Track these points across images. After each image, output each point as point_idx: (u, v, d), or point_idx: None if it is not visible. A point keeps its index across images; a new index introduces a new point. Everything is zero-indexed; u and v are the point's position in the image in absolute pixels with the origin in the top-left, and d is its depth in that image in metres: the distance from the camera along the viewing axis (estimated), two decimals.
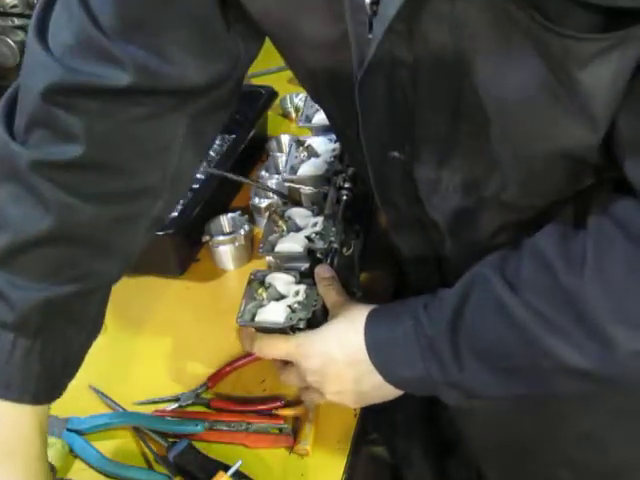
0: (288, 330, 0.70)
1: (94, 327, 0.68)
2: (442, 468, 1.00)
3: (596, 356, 0.52)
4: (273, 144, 1.21)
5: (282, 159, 1.15)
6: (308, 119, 0.91)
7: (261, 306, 0.72)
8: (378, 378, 0.64)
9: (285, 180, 0.86)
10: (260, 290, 0.73)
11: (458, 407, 0.85)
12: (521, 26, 0.43)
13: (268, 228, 0.78)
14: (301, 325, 0.70)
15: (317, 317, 0.70)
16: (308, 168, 0.85)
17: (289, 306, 0.70)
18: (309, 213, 0.79)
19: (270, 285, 0.73)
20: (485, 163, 0.55)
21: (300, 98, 1.33)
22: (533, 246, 0.56)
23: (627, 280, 0.50)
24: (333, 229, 0.77)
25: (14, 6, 1.41)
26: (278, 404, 0.81)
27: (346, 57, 0.53)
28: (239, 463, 0.73)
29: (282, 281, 0.73)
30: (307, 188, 0.83)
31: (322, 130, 0.89)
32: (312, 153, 0.87)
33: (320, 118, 0.90)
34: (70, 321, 0.63)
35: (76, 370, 0.67)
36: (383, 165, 0.61)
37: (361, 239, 0.85)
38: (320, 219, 0.77)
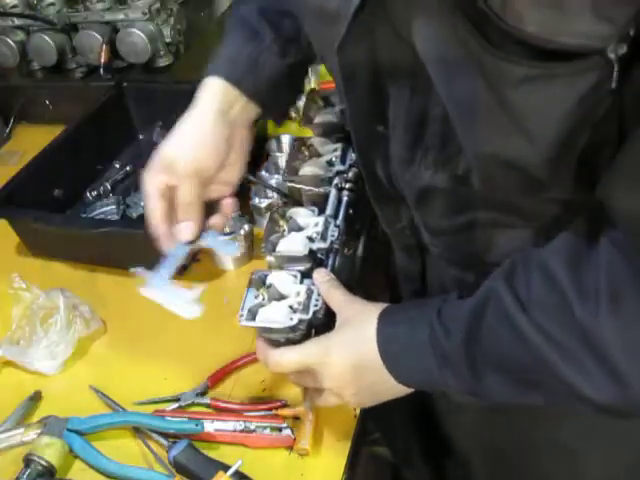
0: (289, 331, 0.70)
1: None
2: (441, 468, 1.00)
3: (609, 391, 0.52)
4: (273, 144, 1.21)
5: (282, 159, 1.15)
6: (309, 119, 0.91)
7: (262, 305, 0.72)
8: (393, 381, 0.64)
9: (286, 180, 0.85)
10: (261, 290, 0.73)
11: (445, 410, 0.86)
12: (465, 43, 0.46)
13: (269, 228, 0.78)
14: (302, 326, 0.70)
15: (318, 318, 0.70)
16: (310, 168, 0.84)
17: (290, 306, 0.70)
18: (310, 213, 0.78)
19: (271, 285, 0.73)
20: (457, 144, 0.56)
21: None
22: (542, 264, 0.55)
23: None
24: (334, 229, 0.76)
25: (14, 6, 1.41)
26: (278, 404, 0.81)
27: (339, 30, 0.56)
28: (239, 463, 0.73)
29: (283, 281, 0.73)
30: (308, 188, 0.83)
31: (324, 130, 0.89)
32: (314, 153, 0.86)
33: (322, 119, 0.90)
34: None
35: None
36: (367, 138, 0.63)
37: (362, 239, 0.85)
38: (321, 219, 0.76)
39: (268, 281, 0.73)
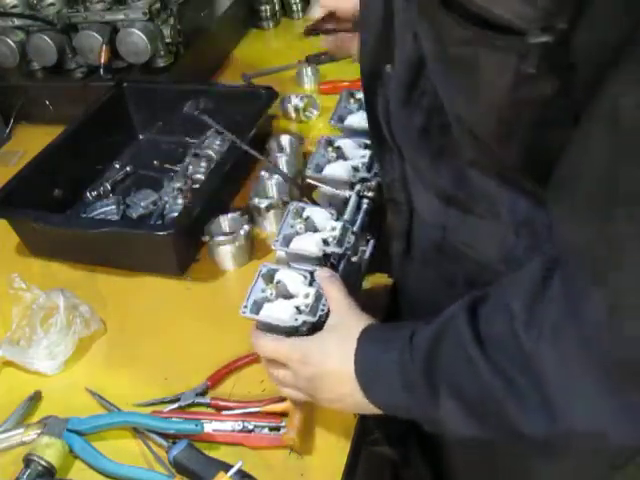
0: (291, 330, 0.70)
1: None
2: (440, 469, 1.00)
3: (540, 423, 0.53)
4: (273, 144, 1.21)
5: (282, 159, 1.15)
6: (341, 119, 0.91)
7: (268, 300, 0.71)
8: (364, 398, 0.65)
9: (308, 177, 0.85)
10: (270, 285, 0.72)
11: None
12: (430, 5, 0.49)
13: (285, 222, 0.77)
14: (304, 328, 0.70)
15: (322, 322, 0.70)
16: (334, 169, 0.84)
17: (297, 307, 0.70)
18: (329, 216, 0.78)
19: (280, 282, 0.72)
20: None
21: (300, 98, 1.34)
22: (503, 299, 0.56)
23: (578, 361, 0.51)
24: (351, 236, 0.76)
25: (14, 6, 1.41)
26: (277, 398, 0.81)
27: None
28: (240, 463, 0.73)
29: (293, 280, 0.73)
30: (328, 188, 0.83)
31: (353, 132, 0.88)
32: (340, 155, 0.86)
33: (353, 120, 0.89)
34: None
35: None
36: (374, 76, 0.66)
37: (370, 247, 0.84)
38: (339, 224, 0.76)
39: (277, 277, 0.73)
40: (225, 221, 1.06)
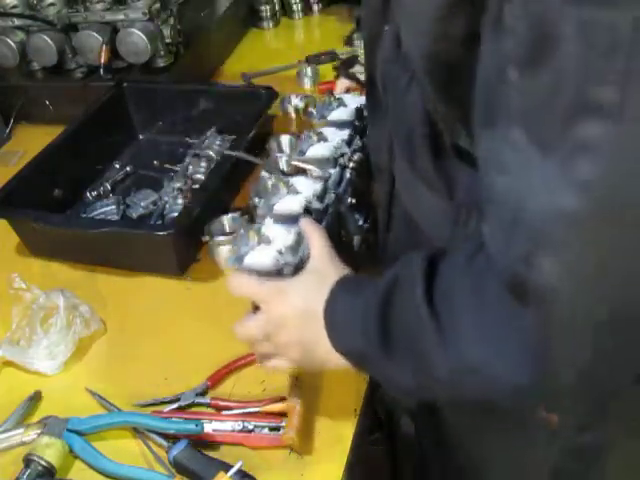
0: (274, 274, 0.70)
1: None
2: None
3: (444, 361, 0.56)
4: (273, 144, 1.21)
5: (283, 159, 1.15)
6: (323, 117, 0.94)
7: (251, 249, 0.72)
8: (329, 345, 0.65)
9: (294, 160, 0.87)
10: (251, 233, 0.73)
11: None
12: None
13: (265, 190, 0.81)
14: (286, 270, 0.70)
15: (305, 264, 0.70)
16: (316, 150, 0.87)
17: (278, 251, 0.71)
18: (312, 182, 0.81)
19: (263, 234, 0.74)
20: None
21: (300, 98, 1.34)
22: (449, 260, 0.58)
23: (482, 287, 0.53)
24: (332, 195, 0.79)
25: (14, 6, 1.41)
26: (277, 397, 0.81)
27: None
28: (240, 464, 0.73)
29: (275, 229, 0.74)
30: (313, 168, 0.85)
31: (334, 124, 0.92)
32: (322, 138, 0.89)
33: (335, 116, 0.93)
34: None
35: None
36: (374, 37, 0.68)
37: (362, 233, 0.86)
38: (320, 184, 0.80)
39: (262, 230, 0.74)
40: (225, 221, 1.06)
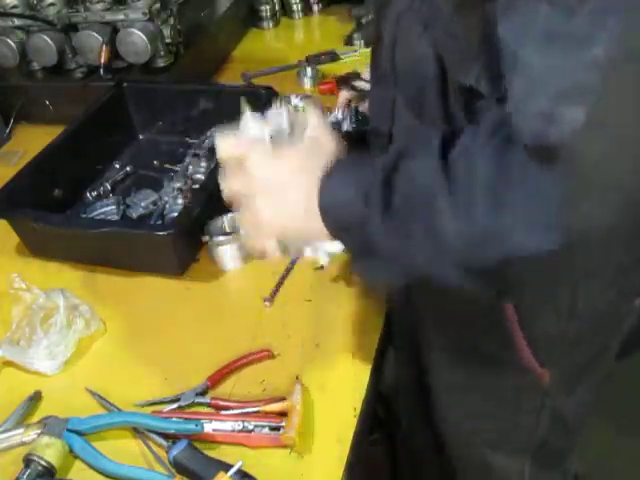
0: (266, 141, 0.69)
1: None
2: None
3: (457, 227, 0.54)
4: None
5: None
6: None
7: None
8: (314, 202, 0.62)
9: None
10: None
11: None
12: None
13: None
14: (273, 134, 0.69)
15: (295, 136, 0.69)
16: None
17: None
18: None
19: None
20: None
21: (300, 98, 1.34)
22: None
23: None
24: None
25: (14, 6, 1.41)
26: (277, 397, 0.81)
27: None
28: (240, 464, 0.73)
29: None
30: None
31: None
32: None
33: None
34: None
35: None
36: (382, 4, 0.70)
37: None
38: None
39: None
40: (225, 221, 1.06)
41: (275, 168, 0.66)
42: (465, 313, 0.78)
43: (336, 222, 0.62)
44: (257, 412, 0.81)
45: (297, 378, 0.83)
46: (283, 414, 0.80)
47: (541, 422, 0.83)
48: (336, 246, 0.73)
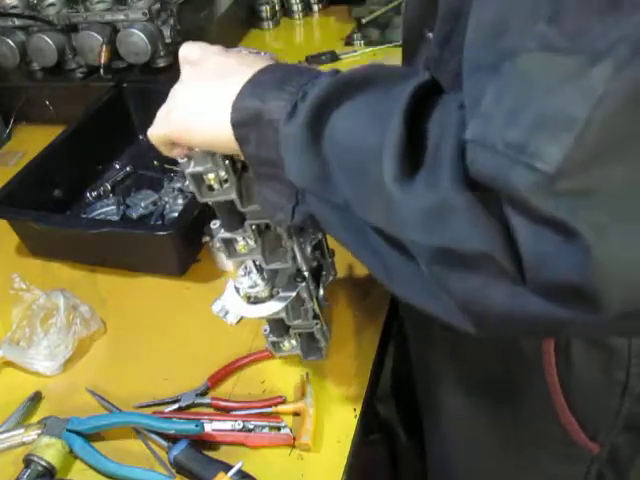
0: None
1: None
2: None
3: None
4: None
5: None
6: None
7: None
8: (225, 104, 0.53)
9: None
10: None
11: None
12: None
13: None
14: None
15: None
16: None
17: None
18: None
19: None
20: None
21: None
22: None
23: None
24: None
25: (14, 6, 1.41)
26: (278, 400, 0.82)
27: None
28: (240, 464, 0.73)
29: None
30: None
31: None
32: None
33: None
34: None
35: None
36: (415, 43, 0.64)
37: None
38: None
39: None
40: None
41: (220, 57, 0.59)
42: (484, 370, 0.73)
43: (240, 112, 0.53)
44: (257, 412, 0.81)
45: (307, 377, 0.83)
46: (282, 414, 0.80)
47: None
48: (246, 310, 0.75)
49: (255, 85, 0.53)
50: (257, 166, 0.56)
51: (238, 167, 0.64)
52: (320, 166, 0.50)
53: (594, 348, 0.64)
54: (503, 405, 0.74)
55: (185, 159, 0.64)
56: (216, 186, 0.64)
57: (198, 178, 0.64)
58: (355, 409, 0.81)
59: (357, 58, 1.53)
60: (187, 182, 0.65)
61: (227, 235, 0.69)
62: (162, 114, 0.62)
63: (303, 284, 0.74)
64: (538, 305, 0.40)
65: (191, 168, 0.63)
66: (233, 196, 0.64)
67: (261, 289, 0.74)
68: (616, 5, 0.35)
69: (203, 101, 0.57)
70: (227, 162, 0.61)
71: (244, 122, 0.53)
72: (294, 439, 0.77)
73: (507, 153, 0.36)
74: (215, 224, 0.70)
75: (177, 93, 0.60)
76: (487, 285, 0.41)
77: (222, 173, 0.62)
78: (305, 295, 0.76)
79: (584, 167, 0.35)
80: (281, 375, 0.86)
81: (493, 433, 0.77)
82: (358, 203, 0.48)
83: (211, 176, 0.63)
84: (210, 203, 0.66)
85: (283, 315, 0.76)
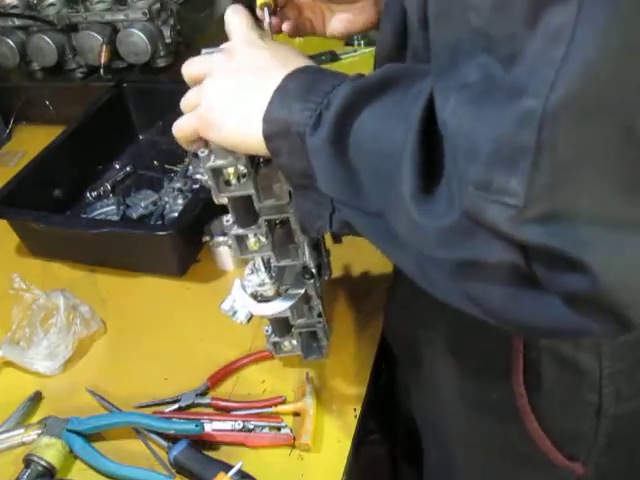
0: None
1: None
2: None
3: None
4: None
5: None
6: None
7: None
8: (256, 109, 0.54)
9: None
10: None
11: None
12: None
13: None
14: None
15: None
16: None
17: None
18: None
19: None
20: None
21: None
22: None
23: None
24: None
25: (14, 6, 1.41)
26: (278, 400, 0.82)
27: None
28: (240, 464, 0.73)
29: None
30: None
31: None
32: None
33: None
34: None
35: None
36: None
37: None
38: None
39: None
40: (225, 221, 1.06)
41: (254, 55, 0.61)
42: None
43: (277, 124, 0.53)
44: (257, 412, 0.81)
45: (307, 377, 0.83)
46: (281, 414, 0.80)
47: None
48: (256, 308, 0.74)
49: (283, 94, 0.53)
50: (291, 177, 0.56)
51: (257, 161, 0.64)
52: (349, 176, 0.50)
53: (564, 369, 0.62)
54: (485, 420, 0.72)
55: (206, 152, 0.63)
56: (234, 181, 0.63)
57: (218, 172, 0.63)
58: (355, 409, 0.81)
59: (357, 58, 1.52)
60: (205, 177, 0.64)
61: (240, 232, 0.69)
62: (191, 107, 0.62)
63: (311, 281, 0.74)
64: (564, 312, 0.40)
65: (212, 162, 0.62)
66: (251, 191, 0.64)
67: (269, 287, 0.73)
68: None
69: (236, 100, 0.57)
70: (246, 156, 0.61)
71: (275, 134, 0.53)
72: (294, 439, 0.77)
73: (478, 194, 0.37)
74: (228, 220, 0.69)
75: (209, 89, 0.61)
76: (513, 295, 0.41)
77: (241, 167, 0.62)
78: (312, 293, 0.76)
79: (550, 189, 0.35)
80: (281, 375, 0.86)
81: (486, 441, 0.76)
82: (389, 211, 0.48)
83: (230, 170, 0.62)
84: (226, 199, 0.65)
85: (289, 314, 0.76)
